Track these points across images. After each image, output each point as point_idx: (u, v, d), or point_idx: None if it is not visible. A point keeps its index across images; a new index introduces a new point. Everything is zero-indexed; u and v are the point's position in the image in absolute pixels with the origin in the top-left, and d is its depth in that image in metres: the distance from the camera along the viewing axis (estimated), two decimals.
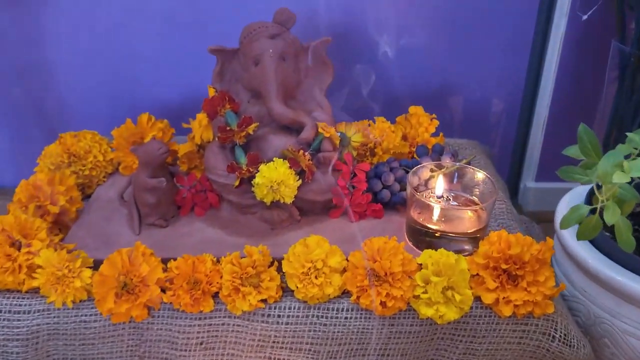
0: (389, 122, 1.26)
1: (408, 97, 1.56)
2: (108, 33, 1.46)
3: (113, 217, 1.15)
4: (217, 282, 0.96)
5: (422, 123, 1.27)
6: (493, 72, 1.55)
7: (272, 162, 1.06)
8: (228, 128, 1.09)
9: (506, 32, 1.49)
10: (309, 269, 0.95)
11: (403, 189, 1.14)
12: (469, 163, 1.17)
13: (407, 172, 1.15)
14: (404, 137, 1.26)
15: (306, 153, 1.09)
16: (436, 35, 1.49)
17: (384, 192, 1.13)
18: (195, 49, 1.46)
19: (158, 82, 1.52)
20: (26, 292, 0.99)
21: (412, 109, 1.30)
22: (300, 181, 1.08)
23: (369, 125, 1.26)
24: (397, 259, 0.94)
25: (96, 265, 0.98)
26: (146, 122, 1.26)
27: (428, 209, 1.05)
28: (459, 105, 1.64)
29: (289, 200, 1.07)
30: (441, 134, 1.29)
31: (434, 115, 1.29)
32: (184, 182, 1.14)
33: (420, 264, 0.96)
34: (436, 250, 0.96)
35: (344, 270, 0.98)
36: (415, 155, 1.24)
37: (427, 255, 0.96)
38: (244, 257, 0.96)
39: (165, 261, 0.98)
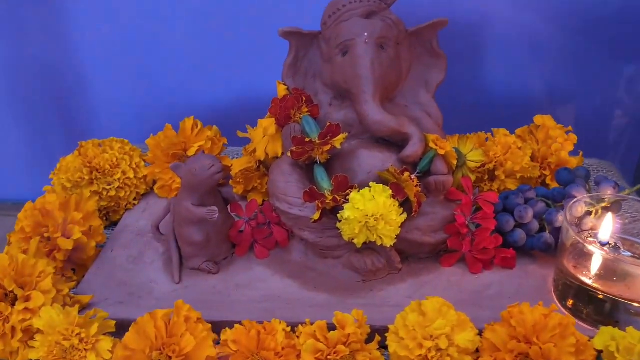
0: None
1: (505, 105, 1.24)
2: (141, 27, 1.18)
3: (144, 256, 0.85)
4: None
5: (554, 137, 0.94)
6: (613, 80, 1.23)
7: (366, 189, 0.76)
8: (307, 139, 0.78)
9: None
10: (429, 349, 0.64)
11: (543, 228, 0.82)
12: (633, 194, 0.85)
13: (548, 205, 0.83)
14: (532, 157, 0.94)
15: (412, 176, 0.78)
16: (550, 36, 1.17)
17: (517, 233, 0.81)
18: (248, 40, 1.17)
19: (202, 82, 1.22)
20: None
21: (539, 119, 0.98)
22: (404, 215, 0.77)
23: (486, 139, 0.94)
24: (566, 343, 0.63)
25: (119, 329, 0.68)
26: (191, 128, 0.97)
27: (588, 260, 0.73)
28: (571, 116, 1.31)
29: (389, 242, 0.76)
30: (580, 152, 0.97)
31: (569, 128, 0.97)
32: (241, 211, 0.84)
33: (600, 351, 0.64)
34: (613, 325, 0.65)
35: (477, 352, 0.66)
36: (548, 181, 0.92)
37: (609, 336, 0.64)
38: (332, 329, 0.66)
39: (216, 326, 0.68)
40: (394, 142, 0.83)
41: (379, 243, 0.77)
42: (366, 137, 0.84)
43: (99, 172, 0.94)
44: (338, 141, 0.79)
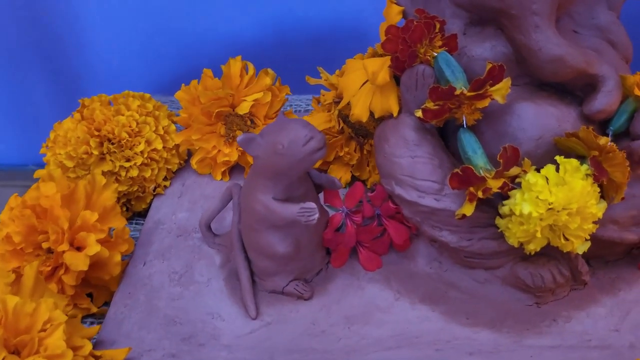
0: None
1: None
2: None
3: (195, 271, 0.58)
4: None
5: None
6: None
7: (549, 167, 0.48)
8: (457, 92, 0.49)
9: None
10: None
11: None
12: None
13: None
14: None
15: (610, 142, 0.50)
16: None
17: None
18: None
19: (217, 9, 0.90)
20: None
21: None
22: (603, 204, 0.50)
23: None
24: None
25: None
26: (239, 71, 0.67)
27: None
28: None
29: (582, 247, 0.49)
30: None
31: None
32: (338, 200, 0.56)
33: None
34: None
35: None
36: None
37: None
38: None
39: None
40: (568, 90, 0.54)
41: (567, 249, 0.49)
42: (523, 83, 0.55)
43: (113, 144, 0.65)
44: (501, 92, 0.50)
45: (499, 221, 0.51)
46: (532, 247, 0.50)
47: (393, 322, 0.52)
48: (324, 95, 0.67)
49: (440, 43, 0.52)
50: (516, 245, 0.50)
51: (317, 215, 0.49)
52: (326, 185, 0.54)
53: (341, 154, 0.65)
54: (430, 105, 0.50)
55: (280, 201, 0.50)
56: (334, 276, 0.56)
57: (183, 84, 0.69)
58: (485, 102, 0.50)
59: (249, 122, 0.68)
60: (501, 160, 0.48)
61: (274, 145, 0.48)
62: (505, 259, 0.53)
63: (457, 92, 0.49)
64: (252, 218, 0.52)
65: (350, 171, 0.66)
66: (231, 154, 0.67)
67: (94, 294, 0.58)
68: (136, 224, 0.68)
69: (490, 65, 0.49)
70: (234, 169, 0.69)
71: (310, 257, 0.54)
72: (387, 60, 0.54)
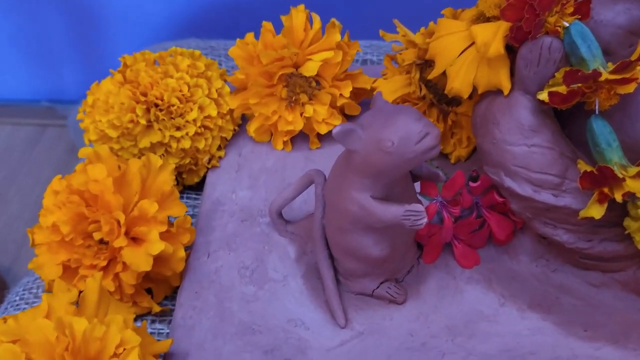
0: None
1: None
2: None
3: (268, 266, 0.51)
4: None
5: None
6: None
7: None
8: (602, 77, 0.40)
9: None
10: None
11: None
12: None
13: None
14: None
15: None
16: None
17: None
18: None
19: None
20: None
21: None
22: None
23: None
24: None
25: None
26: (303, 24, 0.58)
27: None
28: None
29: None
30: None
31: None
32: (433, 189, 0.48)
33: None
34: None
35: None
36: None
37: None
38: None
39: None
40: None
41: None
42: None
43: (162, 110, 0.56)
44: None
45: (628, 223, 0.44)
46: None
47: (502, 335, 0.46)
48: (401, 54, 0.58)
49: (571, 9, 0.43)
50: None
51: (425, 220, 0.42)
52: (428, 179, 0.47)
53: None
54: (560, 88, 0.42)
55: (380, 200, 0.43)
56: (427, 275, 0.49)
57: (238, 39, 0.59)
58: (631, 88, 0.42)
59: (314, 84, 0.59)
60: None
61: (381, 142, 0.40)
62: (629, 262, 0.47)
63: (602, 77, 0.40)
64: (343, 217, 0.44)
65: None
66: (295, 121, 0.59)
67: (154, 289, 0.51)
68: (187, 198, 0.61)
69: None
70: (297, 137, 0.61)
71: (403, 256, 0.48)
72: (501, 26, 0.45)
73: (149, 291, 0.51)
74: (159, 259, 0.48)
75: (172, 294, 0.52)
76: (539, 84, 0.45)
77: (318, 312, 0.47)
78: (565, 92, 0.42)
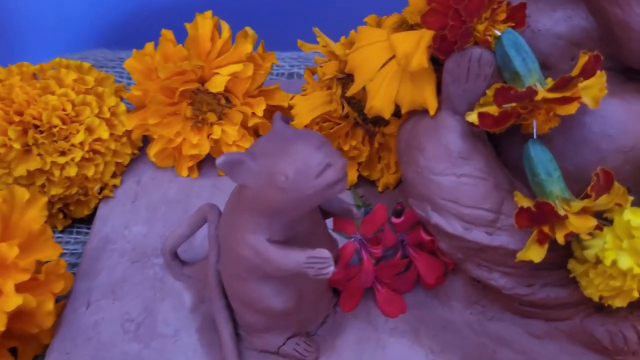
0: None
1: None
2: None
3: (158, 317, 0.43)
4: None
5: None
6: None
7: None
8: (539, 96, 0.34)
9: None
10: None
11: None
12: None
13: None
14: None
15: None
16: None
17: None
18: None
19: None
20: None
21: None
22: None
23: None
24: None
25: None
26: (210, 33, 0.50)
27: None
28: None
29: None
30: None
31: None
32: (350, 227, 0.41)
33: None
34: None
35: None
36: None
37: None
38: None
39: None
40: None
41: None
42: (606, 69, 0.40)
43: (41, 132, 0.48)
44: (593, 91, 0.35)
45: (573, 265, 0.38)
46: (619, 303, 0.37)
47: None
48: (322, 67, 0.51)
49: (504, 16, 0.37)
50: (596, 298, 0.37)
51: (331, 268, 0.34)
52: (340, 215, 0.40)
53: (346, 147, 0.50)
54: (491, 108, 0.36)
55: (278, 245, 0.35)
56: (344, 326, 0.42)
57: (135, 50, 0.51)
58: (572, 108, 0.35)
59: (223, 101, 0.52)
60: (592, 193, 0.34)
61: (273, 177, 0.32)
62: (574, 310, 0.41)
63: (539, 96, 0.34)
64: (237, 265, 0.37)
65: (357, 170, 0.51)
66: (201, 144, 0.52)
67: (19, 349, 0.43)
68: (78, 233, 0.52)
69: (586, 57, 0.34)
70: (204, 161, 0.54)
71: (314, 305, 0.40)
72: (424, 35, 0.39)
73: (13, 351, 0.42)
74: (20, 315, 0.40)
75: (44, 353, 0.44)
76: (469, 103, 0.38)
77: None
78: (497, 114, 0.35)
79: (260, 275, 0.36)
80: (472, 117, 0.37)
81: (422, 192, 0.39)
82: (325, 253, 0.34)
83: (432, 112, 0.40)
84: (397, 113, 0.49)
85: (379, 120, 0.50)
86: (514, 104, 0.35)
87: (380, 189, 0.51)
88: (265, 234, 0.35)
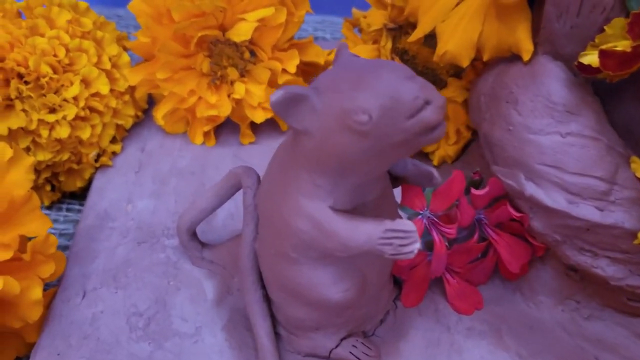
0: None
1: None
2: None
3: (172, 310, 0.34)
4: None
5: None
6: None
7: None
8: None
9: None
10: None
11: None
12: None
13: None
14: None
15: None
16: None
17: None
18: None
19: None
20: None
21: None
22: None
23: None
24: None
25: None
26: None
27: None
28: None
29: None
30: None
31: None
32: (418, 198, 0.32)
33: None
34: None
35: None
36: None
37: None
38: None
39: None
40: None
41: None
42: None
43: (27, 83, 0.39)
44: None
45: None
46: None
47: None
48: (366, 17, 0.43)
49: None
50: None
51: (418, 245, 0.26)
52: (415, 181, 0.31)
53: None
54: (621, 44, 0.28)
55: (345, 214, 0.27)
56: (409, 325, 0.34)
57: None
58: None
59: (247, 55, 0.43)
60: None
61: (348, 116, 0.24)
62: None
63: None
64: (285, 242, 0.28)
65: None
66: (220, 105, 0.43)
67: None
68: (68, 210, 0.43)
69: None
70: (223, 127, 0.45)
71: (375, 297, 0.32)
72: None
73: None
74: (1, 303, 0.31)
75: (29, 353, 0.35)
76: (580, 43, 0.30)
77: None
78: (629, 49, 0.27)
79: (317, 255, 0.28)
80: (589, 59, 0.29)
81: (514, 156, 0.31)
82: (408, 225, 0.26)
83: (526, 56, 0.32)
84: (457, 73, 0.42)
85: (435, 82, 0.42)
86: None
87: (435, 162, 0.43)
88: (327, 200, 0.27)
